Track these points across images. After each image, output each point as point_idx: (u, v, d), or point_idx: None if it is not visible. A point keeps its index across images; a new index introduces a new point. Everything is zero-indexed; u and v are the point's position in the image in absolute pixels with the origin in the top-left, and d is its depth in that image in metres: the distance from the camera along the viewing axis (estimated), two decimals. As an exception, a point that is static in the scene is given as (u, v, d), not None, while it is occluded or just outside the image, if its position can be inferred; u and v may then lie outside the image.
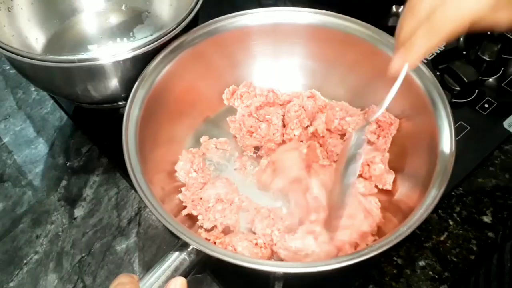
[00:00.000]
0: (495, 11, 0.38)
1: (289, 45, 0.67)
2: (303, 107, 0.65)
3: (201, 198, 0.57)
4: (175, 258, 0.45)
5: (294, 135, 0.63)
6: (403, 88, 0.59)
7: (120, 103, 0.67)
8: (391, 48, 0.60)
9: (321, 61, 0.67)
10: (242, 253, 0.52)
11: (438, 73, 0.71)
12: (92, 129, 0.70)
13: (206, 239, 0.54)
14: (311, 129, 0.65)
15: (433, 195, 0.48)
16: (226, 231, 0.57)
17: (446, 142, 0.52)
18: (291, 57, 0.68)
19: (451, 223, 0.59)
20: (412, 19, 0.41)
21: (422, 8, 0.41)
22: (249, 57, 0.68)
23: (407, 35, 0.42)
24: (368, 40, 0.62)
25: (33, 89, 0.76)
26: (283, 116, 0.65)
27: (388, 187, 0.59)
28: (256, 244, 0.54)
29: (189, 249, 0.45)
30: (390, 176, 0.59)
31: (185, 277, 0.43)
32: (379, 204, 0.57)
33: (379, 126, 0.62)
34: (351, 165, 0.53)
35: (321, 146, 0.64)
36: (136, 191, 0.50)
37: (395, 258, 0.57)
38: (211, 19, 0.63)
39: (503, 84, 0.72)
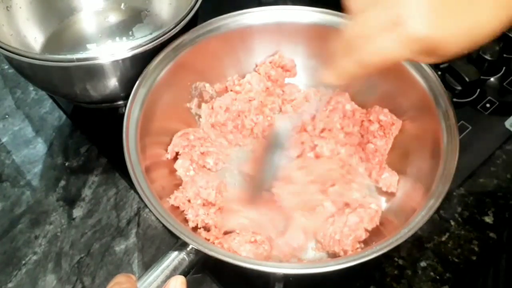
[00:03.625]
0: (417, 56, 0.38)
1: (292, 45, 0.66)
2: None
3: (189, 201, 0.57)
4: (174, 258, 0.45)
5: None
6: (406, 89, 0.59)
7: (119, 102, 0.67)
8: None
9: (324, 61, 0.66)
10: (248, 256, 0.51)
11: (439, 73, 0.71)
12: (91, 129, 0.70)
13: (205, 239, 0.54)
14: None
15: (436, 197, 0.48)
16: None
17: (450, 143, 0.52)
18: (293, 56, 0.67)
19: (452, 223, 0.59)
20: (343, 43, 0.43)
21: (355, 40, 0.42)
22: (251, 56, 0.67)
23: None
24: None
25: (32, 88, 0.76)
26: None
27: (393, 189, 0.58)
28: (255, 241, 0.53)
29: (188, 249, 0.45)
30: (395, 179, 0.58)
31: (184, 276, 0.43)
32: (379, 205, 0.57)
33: (381, 126, 0.61)
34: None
35: None
36: (135, 190, 0.50)
37: (396, 259, 0.56)
38: (211, 18, 0.63)
39: (504, 84, 0.72)
